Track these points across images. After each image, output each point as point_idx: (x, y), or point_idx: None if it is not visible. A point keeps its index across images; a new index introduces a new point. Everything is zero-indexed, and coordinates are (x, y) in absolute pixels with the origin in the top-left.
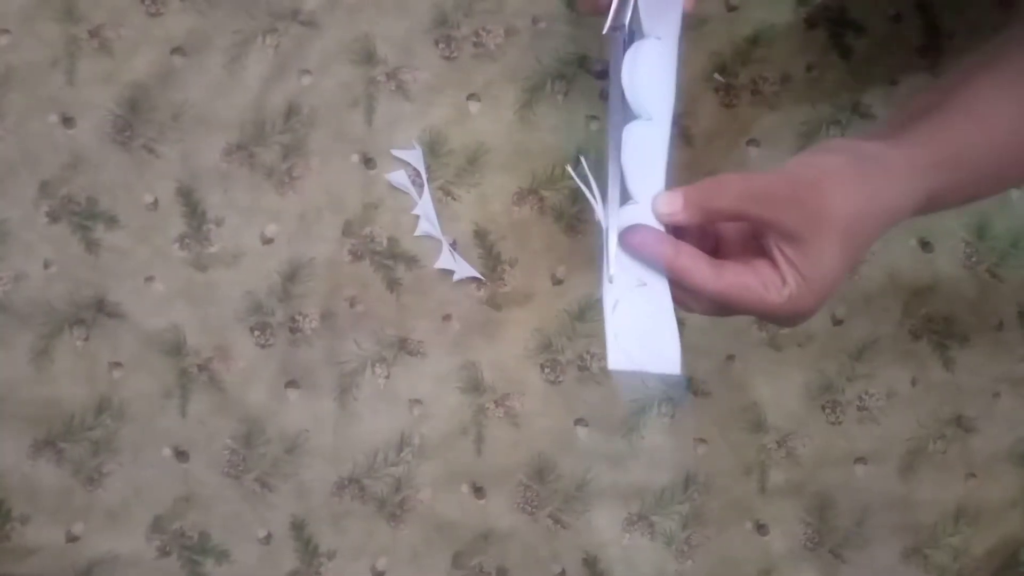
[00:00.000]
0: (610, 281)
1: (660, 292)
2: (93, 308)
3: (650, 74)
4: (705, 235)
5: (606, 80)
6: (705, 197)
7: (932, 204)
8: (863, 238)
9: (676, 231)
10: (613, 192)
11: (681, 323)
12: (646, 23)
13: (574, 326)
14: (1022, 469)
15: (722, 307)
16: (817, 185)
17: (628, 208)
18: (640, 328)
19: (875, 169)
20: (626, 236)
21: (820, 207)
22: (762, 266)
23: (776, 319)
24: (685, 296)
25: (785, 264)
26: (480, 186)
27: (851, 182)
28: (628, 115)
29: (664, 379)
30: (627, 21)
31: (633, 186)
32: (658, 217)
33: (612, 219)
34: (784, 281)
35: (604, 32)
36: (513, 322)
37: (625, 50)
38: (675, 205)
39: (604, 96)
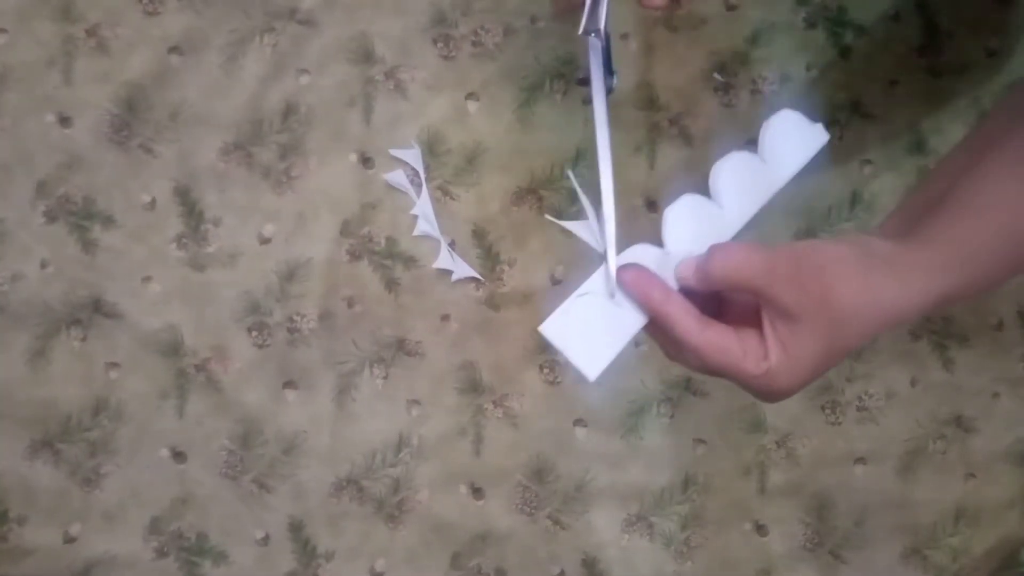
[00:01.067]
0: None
1: (630, 320)
2: (90, 308)
3: (741, 182)
4: (710, 297)
5: (588, 86)
6: (711, 266)
7: (948, 302)
8: (855, 332)
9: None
10: (607, 195)
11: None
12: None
13: None
14: (1021, 469)
15: (702, 364)
16: (821, 270)
17: (640, 247)
18: (591, 326)
19: (882, 267)
20: (623, 271)
21: (820, 292)
22: (750, 335)
23: (751, 389)
24: (670, 347)
25: (773, 339)
26: (479, 186)
27: (855, 275)
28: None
29: (575, 372)
30: (602, 25)
31: (670, 237)
32: (676, 277)
33: (607, 224)
34: (767, 355)
35: (580, 33)
36: (512, 322)
37: (604, 55)
38: (686, 271)
39: (587, 101)
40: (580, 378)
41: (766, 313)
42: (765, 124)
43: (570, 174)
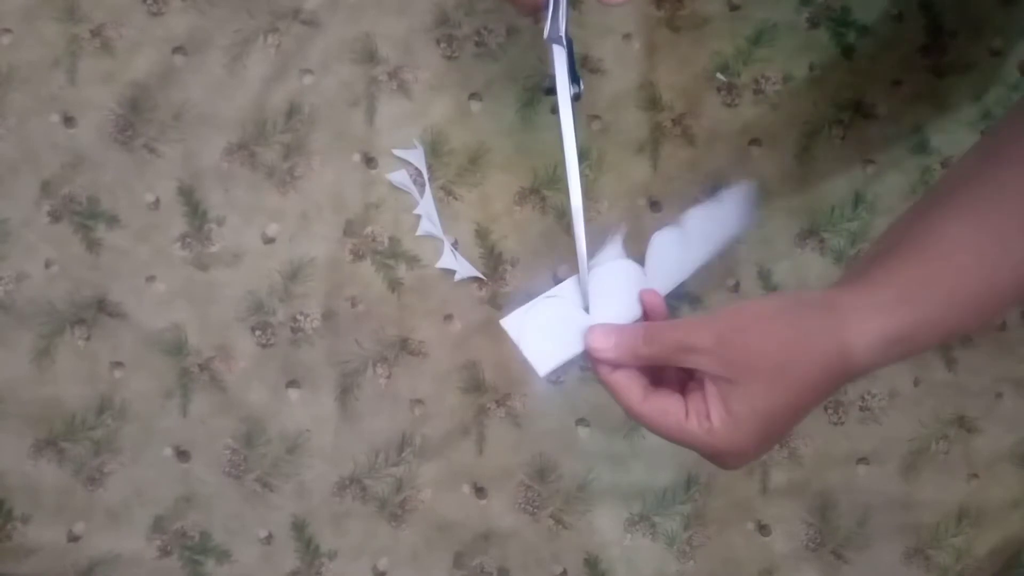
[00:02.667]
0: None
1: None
2: (94, 308)
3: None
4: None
5: (555, 95)
6: (636, 344)
7: (897, 346)
8: (799, 384)
9: None
10: (576, 210)
11: None
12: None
13: None
14: None
15: (650, 430)
16: (742, 331)
17: (611, 265)
18: (551, 327)
19: (812, 313)
20: (587, 333)
21: (743, 352)
22: (695, 396)
23: (701, 452)
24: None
25: (714, 398)
26: (481, 185)
27: (781, 328)
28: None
29: (526, 365)
30: (562, 32)
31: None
32: (590, 350)
33: (577, 238)
34: (708, 414)
35: (544, 39)
36: None
37: (568, 62)
38: (607, 342)
39: (554, 110)
40: (531, 371)
41: (705, 377)
42: (692, 212)
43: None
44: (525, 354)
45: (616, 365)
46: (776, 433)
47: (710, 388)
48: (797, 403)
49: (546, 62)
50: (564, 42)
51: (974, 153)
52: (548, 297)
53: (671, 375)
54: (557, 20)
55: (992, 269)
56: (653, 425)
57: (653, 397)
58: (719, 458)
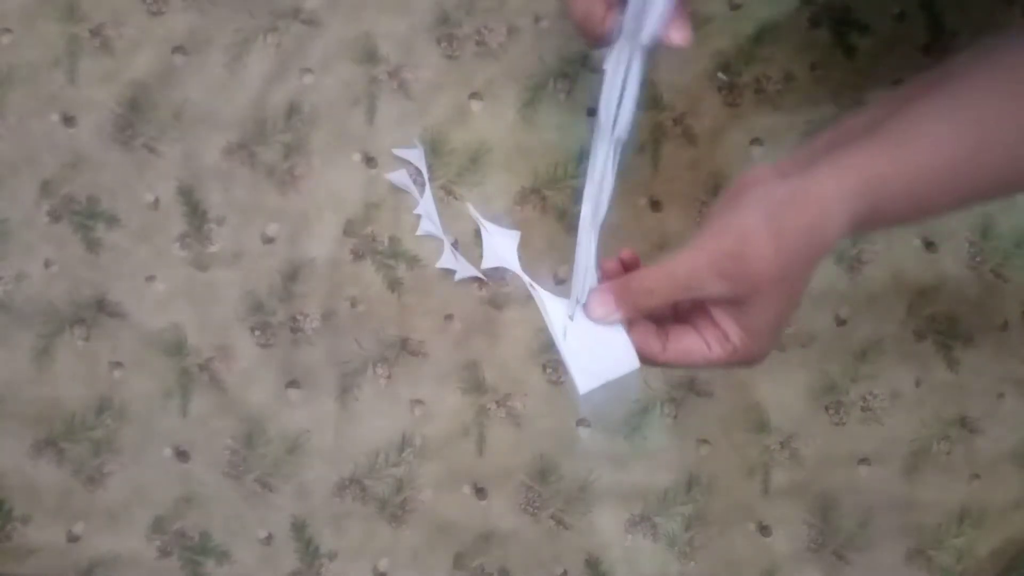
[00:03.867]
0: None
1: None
2: (94, 308)
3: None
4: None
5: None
6: (638, 298)
7: (860, 227)
8: (794, 280)
9: None
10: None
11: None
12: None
13: None
14: None
15: (682, 368)
16: (739, 255)
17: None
18: (591, 343)
19: (789, 214)
20: (587, 304)
21: (747, 275)
22: (707, 325)
23: (727, 368)
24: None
25: (727, 322)
26: (482, 185)
27: (772, 241)
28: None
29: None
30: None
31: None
32: (594, 320)
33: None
34: (727, 337)
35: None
36: (515, 322)
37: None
38: (608, 306)
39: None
40: (573, 387)
41: (709, 306)
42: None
43: (473, 211)
44: (618, 377)
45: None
46: (785, 325)
47: (719, 313)
48: (797, 296)
49: (548, 62)
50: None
51: (965, 54)
52: (565, 335)
53: (680, 304)
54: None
55: (962, 173)
56: (680, 365)
57: (672, 343)
58: (745, 367)
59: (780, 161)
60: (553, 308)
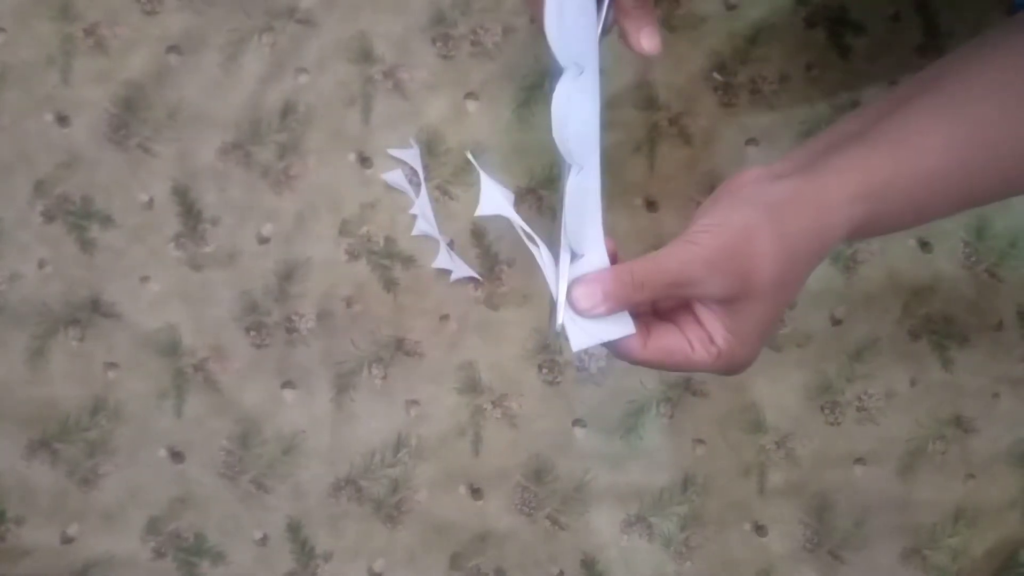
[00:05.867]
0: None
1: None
2: (88, 308)
3: (577, 119)
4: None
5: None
6: (626, 292)
7: (855, 234)
8: (792, 285)
9: None
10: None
11: None
12: (561, 54)
13: None
14: (1021, 470)
15: (660, 369)
16: (739, 252)
17: (577, 263)
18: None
19: (790, 216)
20: (573, 288)
21: (739, 277)
22: (691, 324)
23: (708, 372)
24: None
25: (713, 323)
26: (477, 185)
27: (767, 241)
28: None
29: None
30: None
31: (575, 242)
32: (578, 312)
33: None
34: (712, 338)
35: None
36: (511, 322)
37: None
38: (594, 299)
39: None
40: (565, 341)
41: (697, 303)
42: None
43: (471, 158)
44: (612, 339)
45: (607, 315)
46: (772, 332)
47: (705, 313)
48: (788, 302)
49: (544, 62)
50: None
51: (959, 53)
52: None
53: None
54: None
55: (960, 176)
56: (659, 366)
57: (652, 340)
58: (727, 373)
59: (774, 163)
60: (551, 263)
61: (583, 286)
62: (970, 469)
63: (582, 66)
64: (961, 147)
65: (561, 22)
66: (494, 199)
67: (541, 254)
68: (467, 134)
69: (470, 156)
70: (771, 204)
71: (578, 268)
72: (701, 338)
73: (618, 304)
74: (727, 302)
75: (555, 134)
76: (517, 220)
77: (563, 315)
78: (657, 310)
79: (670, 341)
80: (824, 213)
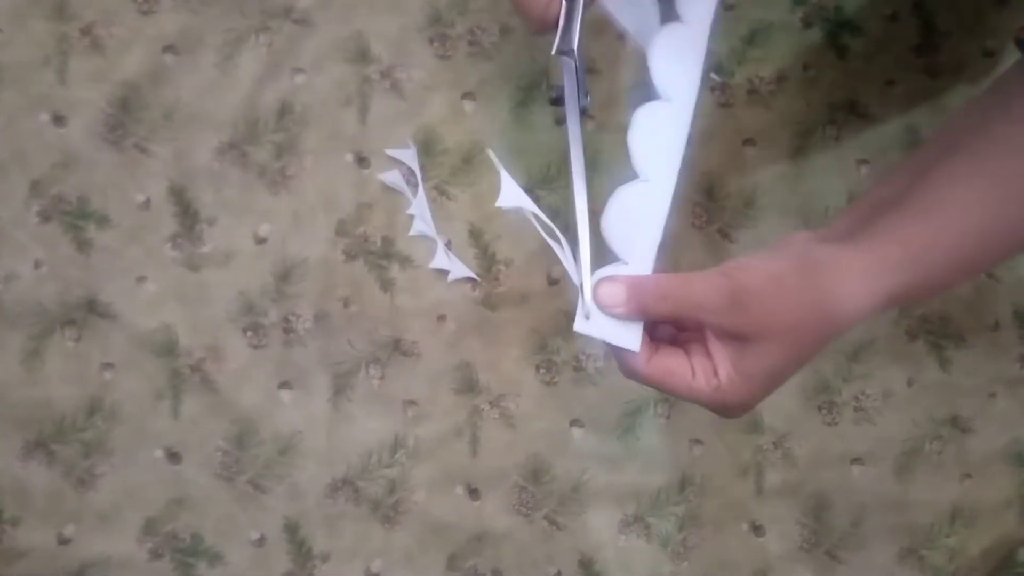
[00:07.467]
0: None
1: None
2: (84, 308)
3: (658, 136)
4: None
5: (562, 107)
6: (647, 300)
7: (897, 301)
8: (809, 343)
9: None
10: (581, 218)
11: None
12: (660, 82)
13: (569, 327)
14: (1017, 469)
15: (656, 389)
16: (759, 293)
17: (617, 266)
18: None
19: (824, 275)
20: (595, 287)
21: (757, 315)
22: (699, 353)
23: (705, 406)
24: (625, 371)
25: (721, 356)
26: (475, 185)
27: (795, 290)
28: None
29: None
30: (575, 46)
31: (622, 248)
32: (596, 305)
33: (582, 248)
34: (715, 371)
35: (552, 54)
36: (508, 323)
37: (577, 76)
38: (617, 298)
39: (560, 122)
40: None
41: (710, 334)
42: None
43: (491, 154)
44: (612, 343)
45: (624, 318)
46: (779, 384)
47: (716, 346)
48: (803, 358)
49: (540, 62)
50: (575, 56)
51: (978, 106)
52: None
53: (665, 326)
54: (570, 33)
55: (996, 232)
56: (658, 385)
57: (657, 357)
58: (723, 412)
59: (821, 230)
60: (569, 255)
61: (610, 284)
62: (967, 469)
63: (681, 98)
64: (996, 203)
65: (667, 54)
66: (514, 191)
67: (562, 246)
68: (464, 134)
69: (491, 154)
70: (809, 261)
71: (615, 270)
72: (705, 368)
73: (638, 308)
74: (739, 339)
75: (630, 140)
76: (538, 212)
77: (588, 294)
78: (676, 338)
79: (674, 363)
80: (858, 281)
